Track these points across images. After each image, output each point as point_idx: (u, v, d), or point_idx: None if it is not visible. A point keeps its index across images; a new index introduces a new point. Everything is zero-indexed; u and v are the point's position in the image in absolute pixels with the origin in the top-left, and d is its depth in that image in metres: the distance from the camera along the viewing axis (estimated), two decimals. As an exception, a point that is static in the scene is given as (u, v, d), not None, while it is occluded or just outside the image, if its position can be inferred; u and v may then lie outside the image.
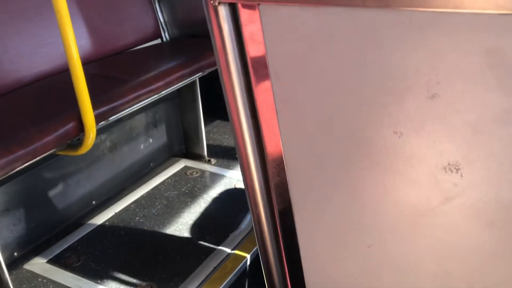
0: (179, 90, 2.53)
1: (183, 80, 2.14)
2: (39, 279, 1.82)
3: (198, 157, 2.64)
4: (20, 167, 1.52)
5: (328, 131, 0.68)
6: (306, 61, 0.64)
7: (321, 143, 0.70)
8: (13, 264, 1.89)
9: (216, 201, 2.28)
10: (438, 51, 0.55)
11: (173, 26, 2.59)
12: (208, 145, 2.69)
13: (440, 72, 0.57)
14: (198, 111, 2.55)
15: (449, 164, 0.62)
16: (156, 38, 2.55)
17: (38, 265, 1.90)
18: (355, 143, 0.67)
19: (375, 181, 0.68)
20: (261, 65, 0.67)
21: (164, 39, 2.60)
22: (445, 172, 0.62)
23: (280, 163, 0.74)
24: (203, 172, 2.51)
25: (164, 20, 2.58)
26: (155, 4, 2.54)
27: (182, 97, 2.59)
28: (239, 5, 0.64)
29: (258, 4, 0.62)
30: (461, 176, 0.62)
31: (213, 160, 2.62)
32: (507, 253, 0.64)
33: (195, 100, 2.53)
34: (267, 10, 0.62)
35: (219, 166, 2.57)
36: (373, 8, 0.55)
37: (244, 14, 0.64)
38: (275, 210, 0.80)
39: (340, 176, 0.71)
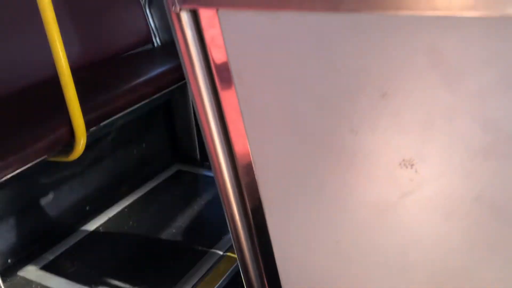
0: (171, 94, 2.55)
1: (174, 85, 2.16)
2: (33, 285, 1.84)
3: (191, 161, 2.66)
4: (12, 174, 1.54)
5: (290, 132, 0.70)
6: (265, 64, 0.66)
7: (285, 143, 0.72)
8: (7, 271, 1.91)
9: (209, 204, 2.29)
10: (384, 51, 0.57)
11: (164, 31, 2.60)
12: (201, 149, 2.71)
13: (388, 71, 0.59)
14: (190, 115, 2.57)
15: (403, 160, 0.64)
16: (147, 44, 2.57)
17: (32, 271, 1.91)
18: (316, 142, 0.69)
19: (337, 179, 0.70)
20: (224, 68, 0.69)
21: (155, 44, 2.62)
22: (401, 168, 0.64)
23: (248, 163, 0.76)
24: (196, 176, 2.53)
25: (155, 26, 2.60)
26: (145, 10, 2.56)
27: (174, 102, 2.61)
28: (200, 11, 0.66)
29: (217, 9, 0.64)
30: (416, 171, 0.64)
31: (206, 164, 2.63)
32: (465, 243, 0.66)
33: (187, 105, 2.55)
34: (225, 15, 0.64)
35: (212, 169, 2.59)
36: (322, 12, 0.57)
37: (205, 20, 0.66)
38: (248, 210, 0.81)
39: (305, 174, 0.73)
